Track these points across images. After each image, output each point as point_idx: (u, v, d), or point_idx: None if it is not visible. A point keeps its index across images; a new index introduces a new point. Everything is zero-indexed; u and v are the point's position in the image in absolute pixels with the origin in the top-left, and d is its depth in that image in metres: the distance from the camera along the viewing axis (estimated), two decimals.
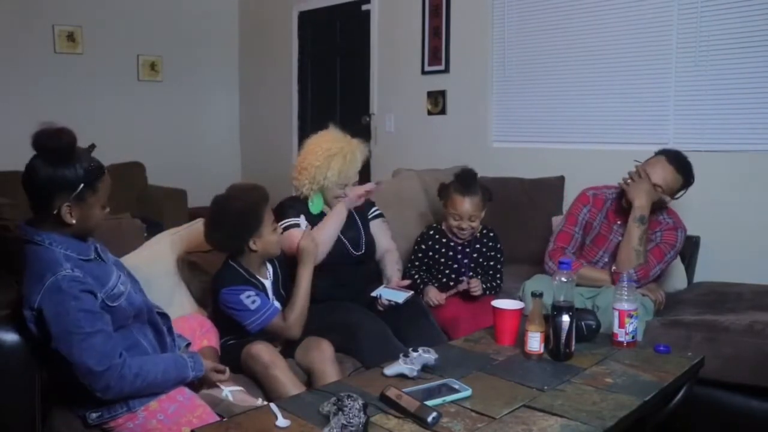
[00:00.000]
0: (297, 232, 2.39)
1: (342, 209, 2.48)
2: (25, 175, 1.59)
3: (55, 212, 1.58)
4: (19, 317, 1.62)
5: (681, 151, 2.61)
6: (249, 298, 2.09)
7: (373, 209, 2.73)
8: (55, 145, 1.55)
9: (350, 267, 2.51)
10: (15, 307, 1.67)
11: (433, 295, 2.62)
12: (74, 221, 1.60)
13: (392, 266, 2.62)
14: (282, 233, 2.36)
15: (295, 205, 2.51)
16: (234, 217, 2.10)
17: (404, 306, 2.40)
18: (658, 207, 2.59)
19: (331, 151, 2.46)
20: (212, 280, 2.22)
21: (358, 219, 2.63)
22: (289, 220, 2.46)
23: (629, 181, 2.53)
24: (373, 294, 2.43)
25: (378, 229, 2.69)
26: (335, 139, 2.52)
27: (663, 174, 2.51)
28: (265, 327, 2.11)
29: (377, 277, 2.61)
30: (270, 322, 2.11)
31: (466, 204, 2.62)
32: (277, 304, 2.23)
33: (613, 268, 2.49)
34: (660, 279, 2.69)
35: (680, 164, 2.54)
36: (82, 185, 1.58)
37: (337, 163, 2.45)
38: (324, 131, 2.58)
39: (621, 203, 2.59)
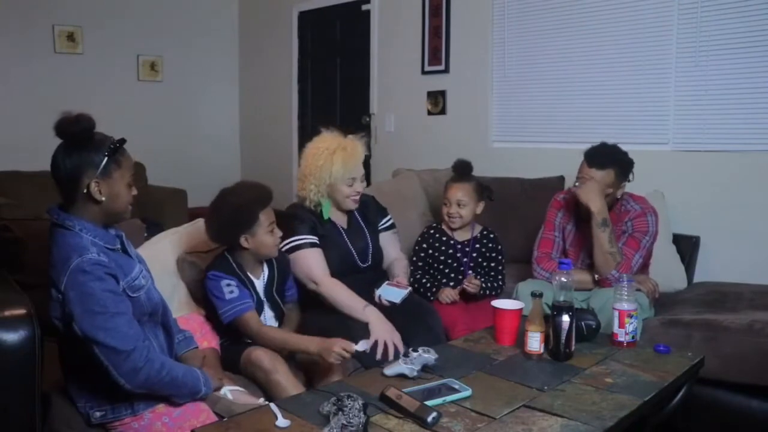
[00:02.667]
0: (310, 253, 2.36)
1: (357, 311, 2.30)
2: (52, 163, 1.65)
3: (84, 191, 1.63)
4: (47, 301, 1.65)
5: (602, 144, 2.54)
6: (228, 287, 2.11)
7: (386, 219, 2.68)
8: (75, 129, 1.62)
9: (356, 275, 2.48)
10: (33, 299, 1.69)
11: (447, 293, 2.64)
12: (103, 198, 1.65)
13: (400, 269, 2.59)
14: (289, 249, 2.36)
15: (306, 218, 2.44)
16: (228, 212, 2.12)
17: (409, 306, 2.40)
18: (618, 197, 2.55)
19: (330, 149, 2.44)
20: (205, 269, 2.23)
21: (366, 230, 2.59)
22: (302, 237, 2.40)
23: (577, 184, 2.49)
24: (375, 293, 2.43)
25: (387, 241, 2.65)
26: (332, 138, 2.50)
27: (595, 179, 2.46)
28: (235, 320, 2.09)
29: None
30: (240, 315, 2.09)
31: (456, 189, 2.71)
32: (267, 308, 2.23)
33: (596, 276, 2.48)
34: (649, 268, 2.68)
35: (601, 161, 2.47)
36: (105, 159, 1.64)
37: (340, 156, 2.41)
38: (318, 136, 2.56)
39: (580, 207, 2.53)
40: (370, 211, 2.64)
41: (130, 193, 1.73)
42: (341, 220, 2.55)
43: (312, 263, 2.37)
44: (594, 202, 2.42)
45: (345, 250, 2.49)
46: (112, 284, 1.61)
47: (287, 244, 2.38)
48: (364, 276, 2.52)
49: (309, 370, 2.15)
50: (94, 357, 1.59)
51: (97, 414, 1.70)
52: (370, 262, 2.55)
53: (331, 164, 2.41)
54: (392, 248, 2.67)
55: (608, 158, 2.50)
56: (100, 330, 1.56)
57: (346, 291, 2.35)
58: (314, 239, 2.42)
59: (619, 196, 2.55)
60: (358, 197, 2.51)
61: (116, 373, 1.59)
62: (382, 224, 2.66)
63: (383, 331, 2.24)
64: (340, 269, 2.43)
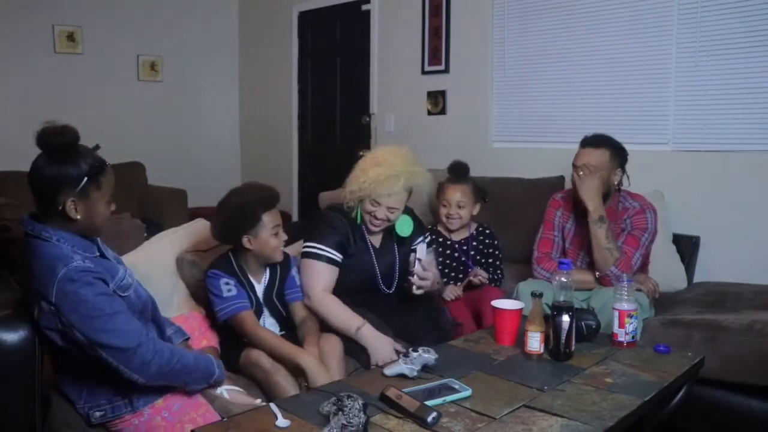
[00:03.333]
0: (321, 267, 2.27)
1: (353, 331, 2.20)
2: (30, 173, 1.61)
3: (60, 208, 1.59)
4: (30, 312, 1.63)
5: (596, 134, 2.57)
6: (226, 285, 2.10)
7: (421, 238, 2.49)
8: (58, 142, 1.57)
9: (377, 299, 2.41)
10: (25, 302, 1.67)
11: (450, 290, 2.65)
12: (79, 217, 1.61)
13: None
14: (306, 253, 2.31)
15: (339, 230, 2.33)
16: (231, 211, 2.12)
17: (415, 303, 2.38)
18: (616, 184, 2.56)
19: (377, 160, 2.31)
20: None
21: (397, 253, 2.46)
22: (325, 249, 2.28)
23: (580, 173, 2.49)
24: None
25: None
26: (393, 153, 2.33)
27: (589, 159, 2.49)
28: (230, 318, 2.09)
29: (404, 305, 2.43)
30: (236, 314, 2.08)
31: (454, 191, 2.71)
32: (267, 313, 2.22)
33: (597, 273, 2.49)
34: (649, 267, 2.68)
35: (595, 141, 2.52)
36: (85, 180, 1.59)
37: (376, 172, 2.25)
38: (394, 146, 2.40)
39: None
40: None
41: (108, 210, 1.69)
42: (375, 239, 2.44)
43: (317, 276, 2.27)
44: (591, 199, 2.44)
45: (370, 272, 2.40)
46: (102, 287, 1.60)
47: (307, 246, 2.31)
48: (386, 302, 2.43)
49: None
50: (102, 360, 1.58)
51: (97, 414, 1.70)
52: (393, 290, 2.45)
53: (364, 173, 2.29)
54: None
55: (602, 139, 2.54)
56: (102, 333, 1.56)
57: (340, 308, 2.24)
58: (336, 257, 2.30)
59: (616, 182, 2.55)
60: (378, 223, 2.34)
61: (128, 370, 1.59)
62: (417, 242, 2.48)
63: (382, 353, 2.15)
64: (361, 290, 2.37)
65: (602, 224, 2.43)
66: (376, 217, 2.33)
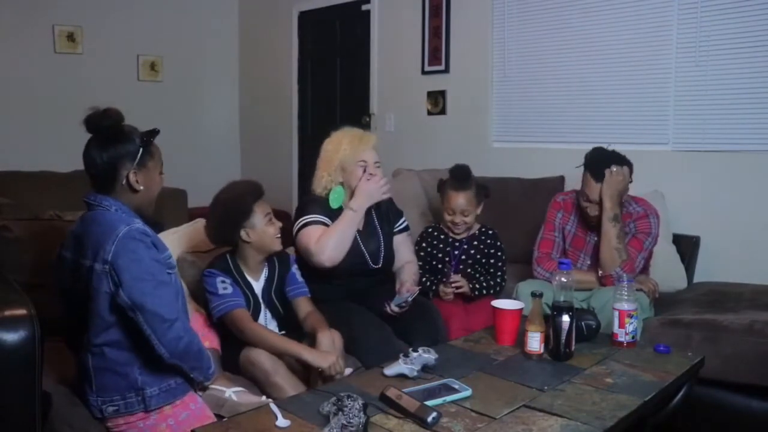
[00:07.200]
0: (315, 228, 2.37)
1: (353, 216, 2.40)
2: (86, 157, 1.69)
3: (123, 182, 1.69)
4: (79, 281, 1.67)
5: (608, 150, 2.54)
6: (222, 284, 2.12)
7: (401, 221, 2.66)
8: (107, 124, 1.68)
9: (365, 278, 2.49)
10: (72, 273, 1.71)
11: (441, 290, 2.65)
12: (142, 187, 1.71)
13: (409, 274, 2.56)
14: (300, 227, 2.38)
15: (317, 200, 2.47)
16: (221, 208, 2.15)
17: (411, 305, 2.39)
18: (623, 198, 2.55)
19: (339, 136, 2.51)
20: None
21: (380, 231, 2.56)
22: (311, 216, 2.42)
23: (614, 169, 2.46)
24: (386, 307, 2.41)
25: (401, 243, 2.64)
26: (346, 129, 2.56)
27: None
28: (224, 315, 2.09)
29: (391, 288, 2.51)
30: (231, 311, 2.09)
31: (459, 198, 2.68)
32: (266, 311, 2.22)
33: (600, 272, 2.49)
34: (650, 269, 2.68)
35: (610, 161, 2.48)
36: (141, 150, 1.70)
37: (348, 139, 2.47)
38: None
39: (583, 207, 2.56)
40: (387, 212, 2.63)
41: (162, 181, 1.80)
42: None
43: (314, 234, 2.36)
44: (611, 197, 2.43)
45: (357, 251, 2.46)
46: (156, 253, 1.67)
47: (299, 222, 2.39)
48: (373, 279, 2.52)
49: (308, 368, 2.14)
50: (137, 325, 1.60)
51: (110, 409, 1.70)
52: (380, 264, 2.53)
53: (339, 146, 2.46)
54: (405, 251, 2.64)
55: (611, 159, 2.48)
56: (147, 296, 1.60)
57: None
58: (328, 222, 2.41)
59: (629, 196, 2.55)
60: (377, 176, 2.46)
61: (159, 341, 1.61)
62: (397, 227, 2.65)
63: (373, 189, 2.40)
64: (351, 270, 2.43)
65: (616, 223, 2.43)
66: (372, 175, 2.43)
